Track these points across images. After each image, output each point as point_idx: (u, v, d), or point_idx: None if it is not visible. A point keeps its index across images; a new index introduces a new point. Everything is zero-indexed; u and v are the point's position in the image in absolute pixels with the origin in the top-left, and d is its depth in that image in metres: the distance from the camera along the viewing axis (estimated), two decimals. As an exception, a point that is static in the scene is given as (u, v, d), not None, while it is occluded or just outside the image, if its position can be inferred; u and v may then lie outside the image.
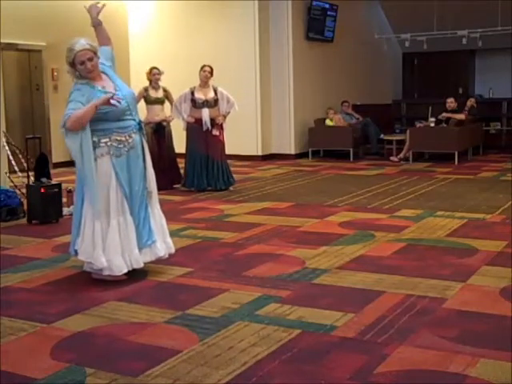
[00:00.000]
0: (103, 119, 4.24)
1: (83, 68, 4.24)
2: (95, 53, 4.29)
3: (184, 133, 8.64)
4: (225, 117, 8.47)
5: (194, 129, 8.37)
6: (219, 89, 8.45)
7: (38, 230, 6.24)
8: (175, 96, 8.73)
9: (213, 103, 8.33)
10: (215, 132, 8.36)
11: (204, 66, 8.44)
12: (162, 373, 2.97)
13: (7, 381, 2.93)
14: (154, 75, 8.57)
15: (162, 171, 8.14)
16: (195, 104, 8.31)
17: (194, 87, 8.40)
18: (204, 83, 8.38)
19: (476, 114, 12.24)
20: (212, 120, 8.30)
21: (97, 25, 4.59)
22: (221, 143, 8.50)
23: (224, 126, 8.52)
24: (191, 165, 8.44)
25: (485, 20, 13.20)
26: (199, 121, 8.30)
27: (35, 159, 7.01)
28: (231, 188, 8.52)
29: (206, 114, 8.27)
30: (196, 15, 12.24)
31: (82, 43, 4.24)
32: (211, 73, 8.41)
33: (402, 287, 4.18)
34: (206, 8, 12.03)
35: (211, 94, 8.36)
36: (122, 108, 4.32)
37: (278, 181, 9.34)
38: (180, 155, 9.25)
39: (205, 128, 8.29)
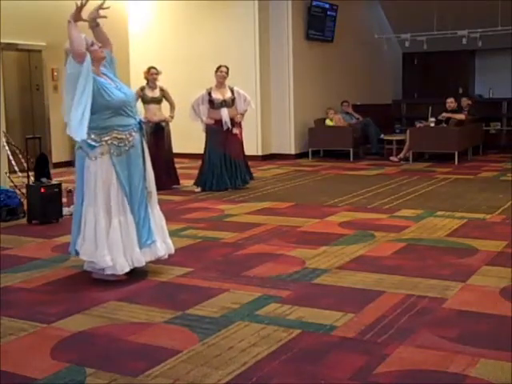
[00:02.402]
0: (105, 109, 4.24)
1: (96, 49, 4.30)
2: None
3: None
4: (243, 115, 8.49)
5: (214, 130, 8.36)
6: (235, 88, 8.47)
7: (37, 230, 6.24)
8: (174, 96, 8.74)
9: (230, 103, 8.34)
10: (235, 131, 8.40)
11: (220, 66, 8.44)
12: (162, 373, 2.97)
13: (7, 381, 2.93)
14: (151, 75, 8.56)
15: (159, 172, 8.13)
16: (213, 105, 8.30)
17: (211, 88, 8.39)
18: (220, 84, 8.38)
19: (476, 113, 12.24)
20: (231, 119, 8.32)
21: (94, 27, 4.54)
22: (240, 142, 8.54)
23: (242, 124, 8.55)
24: (210, 166, 8.41)
25: (485, 20, 13.20)
26: (218, 122, 8.30)
27: (35, 159, 7.01)
28: (247, 185, 8.59)
29: (225, 113, 8.28)
30: (196, 15, 12.24)
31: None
32: (227, 73, 8.41)
33: (402, 287, 4.18)
34: (206, 8, 12.03)
35: (228, 94, 8.37)
36: (124, 100, 4.35)
37: (278, 181, 9.34)
38: (180, 155, 9.26)
39: (225, 128, 8.30)
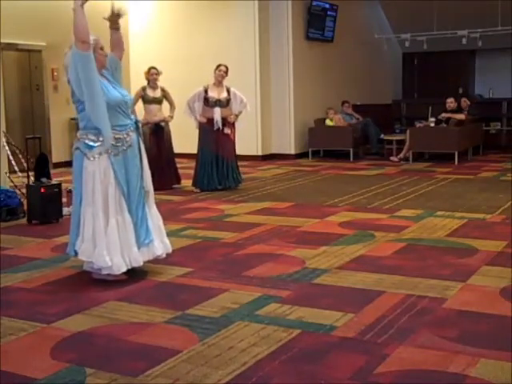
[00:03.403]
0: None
1: (102, 53, 4.35)
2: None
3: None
4: (237, 116, 8.49)
5: (206, 129, 8.36)
6: (232, 89, 8.45)
7: (37, 230, 6.24)
8: (174, 96, 8.74)
9: (225, 103, 8.33)
10: (227, 130, 8.38)
11: (220, 65, 8.42)
12: (162, 373, 2.97)
13: (7, 381, 2.93)
14: (152, 75, 8.57)
15: (161, 171, 8.15)
16: (208, 103, 8.30)
17: (208, 85, 8.38)
18: (218, 82, 8.37)
19: (476, 113, 12.24)
20: (223, 119, 8.31)
21: (115, 30, 4.56)
22: (231, 142, 8.52)
23: (236, 125, 8.55)
24: (202, 165, 8.41)
25: (485, 20, 13.21)
26: (211, 121, 8.29)
27: (35, 159, 7.00)
28: (239, 186, 8.57)
29: (217, 113, 8.27)
30: (196, 15, 12.24)
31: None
32: (226, 72, 8.40)
33: (402, 287, 4.18)
34: (206, 8, 12.03)
35: (224, 94, 8.36)
36: (121, 99, 4.37)
37: (278, 181, 9.34)
38: (179, 155, 9.25)
39: (216, 127, 8.29)
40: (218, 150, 8.37)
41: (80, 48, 4.14)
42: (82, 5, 4.13)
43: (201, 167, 8.45)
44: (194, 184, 8.55)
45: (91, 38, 4.28)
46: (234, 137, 8.55)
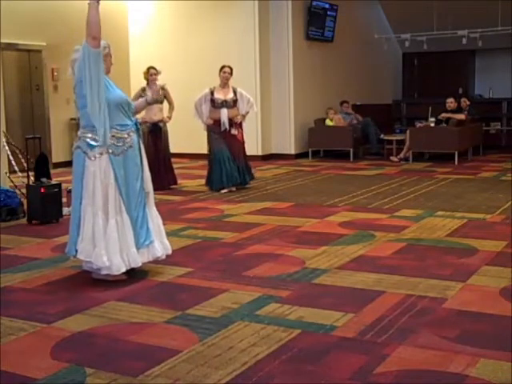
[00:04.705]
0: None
1: (109, 59, 4.49)
2: None
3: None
4: (244, 116, 8.48)
5: (214, 131, 8.35)
6: (238, 89, 8.45)
7: (37, 230, 6.24)
8: (174, 95, 8.73)
9: (231, 104, 8.32)
10: (234, 131, 8.36)
11: (224, 66, 8.42)
12: (162, 373, 2.97)
13: (7, 381, 2.93)
14: (151, 75, 8.55)
15: (158, 171, 8.14)
16: (214, 104, 8.30)
17: (214, 87, 8.37)
18: (224, 84, 8.36)
19: (476, 113, 12.24)
20: (230, 120, 8.30)
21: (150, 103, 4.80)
22: (239, 143, 8.50)
23: (243, 125, 8.54)
24: (217, 165, 8.34)
25: (485, 20, 13.22)
26: (218, 122, 8.28)
27: (35, 159, 7.00)
28: (248, 185, 8.60)
29: (224, 114, 8.26)
30: (196, 15, 12.25)
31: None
32: (231, 73, 8.39)
33: (402, 287, 4.18)
34: (206, 8, 12.04)
35: (230, 95, 8.35)
36: (123, 97, 4.42)
37: (278, 181, 9.34)
38: (178, 155, 9.23)
39: (223, 128, 8.28)
40: (228, 150, 8.35)
41: (91, 44, 4.19)
42: (98, 1, 4.19)
43: (216, 167, 8.33)
44: (210, 185, 8.49)
45: (104, 42, 4.32)
46: (243, 137, 8.54)
